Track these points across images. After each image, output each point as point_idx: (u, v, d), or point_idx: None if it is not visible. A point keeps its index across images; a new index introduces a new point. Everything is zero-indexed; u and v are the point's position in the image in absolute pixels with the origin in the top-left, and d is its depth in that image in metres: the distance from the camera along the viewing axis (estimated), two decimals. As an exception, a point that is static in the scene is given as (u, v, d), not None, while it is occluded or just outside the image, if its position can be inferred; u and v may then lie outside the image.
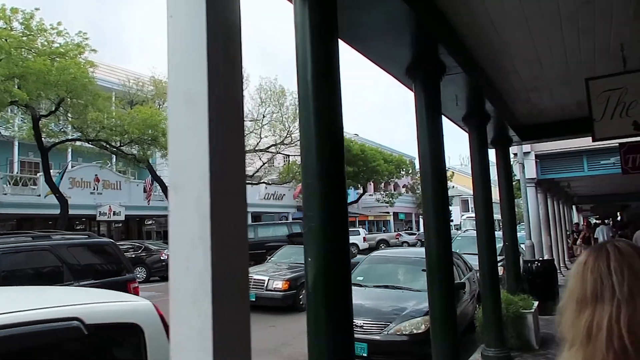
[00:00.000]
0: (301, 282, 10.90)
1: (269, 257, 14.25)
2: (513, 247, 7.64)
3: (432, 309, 4.25)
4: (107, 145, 20.16)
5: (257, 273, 11.71)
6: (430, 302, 4.24)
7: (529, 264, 9.27)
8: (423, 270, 8.19)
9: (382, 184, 41.74)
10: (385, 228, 48.02)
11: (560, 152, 11.47)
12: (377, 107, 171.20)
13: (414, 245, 30.62)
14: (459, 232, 30.96)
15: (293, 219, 31.43)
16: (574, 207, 29.16)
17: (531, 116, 7.48)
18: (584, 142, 10.50)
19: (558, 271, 10.69)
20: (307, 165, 2.53)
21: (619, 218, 24.90)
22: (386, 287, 7.04)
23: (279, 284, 11.04)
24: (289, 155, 29.56)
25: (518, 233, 9.05)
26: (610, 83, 4.68)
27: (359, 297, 6.94)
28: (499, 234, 7.96)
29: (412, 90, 4.55)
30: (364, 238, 32.02)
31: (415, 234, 38.27)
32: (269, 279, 11.18)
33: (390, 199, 36.13)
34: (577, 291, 1.12)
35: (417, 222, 50.13)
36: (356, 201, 35.82)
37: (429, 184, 4.36)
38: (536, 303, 7.07)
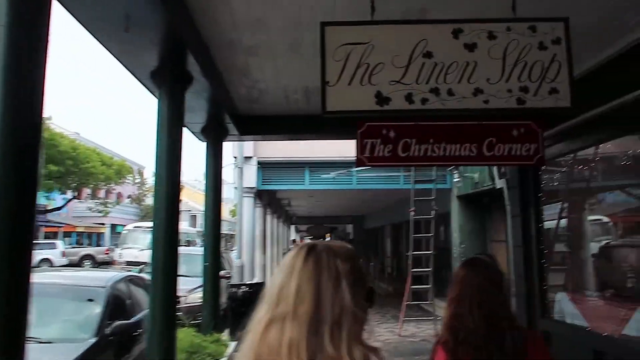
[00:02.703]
0: None
1: None
2: (214, 269, 5.79)
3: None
4: None
5: None
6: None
7: (235, 289, 7.58)
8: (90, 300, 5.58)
9: (103, 191, 36.53)
10: (100, 242, 42.43)
11: (283, 161, 10.44)
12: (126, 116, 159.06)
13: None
14: (118, 249, 24.80)
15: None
16: (292, 226, 30.47)
17: (251, 102, 5.90)
18: (307, 153, 9.71)
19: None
20: None
21: (327, 239, 26.82)
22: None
23: None
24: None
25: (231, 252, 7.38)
26: (353, 34, 3.21)
27: None
28: (195, 250, 6.02)
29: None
30: (63, 252, 26.60)
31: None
32: None
33: (104, 207, 31.37)
34: None
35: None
36: (60, 208, 29.90)
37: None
38: (233, 344, 5.31)
